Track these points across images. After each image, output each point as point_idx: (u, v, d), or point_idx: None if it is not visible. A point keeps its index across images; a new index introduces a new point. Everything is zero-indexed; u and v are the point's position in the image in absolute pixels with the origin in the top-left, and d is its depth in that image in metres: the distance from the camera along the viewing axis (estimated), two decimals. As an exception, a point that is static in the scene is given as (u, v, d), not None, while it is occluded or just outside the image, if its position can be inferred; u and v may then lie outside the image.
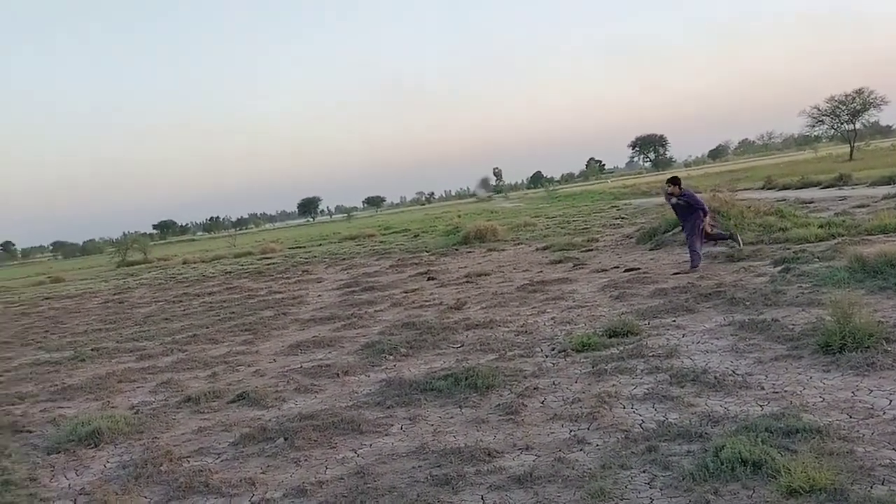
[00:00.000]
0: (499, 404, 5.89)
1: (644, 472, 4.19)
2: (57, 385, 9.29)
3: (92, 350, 11.61)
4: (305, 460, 5.21)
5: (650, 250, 15.24)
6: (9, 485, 5.42)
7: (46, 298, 26.20)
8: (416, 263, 19.60)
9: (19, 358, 12.16)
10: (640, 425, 4.98)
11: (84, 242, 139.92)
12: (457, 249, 22.50)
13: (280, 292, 17.11)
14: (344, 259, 25.17)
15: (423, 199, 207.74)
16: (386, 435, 5.57)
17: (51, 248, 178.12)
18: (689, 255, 11.85)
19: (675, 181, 12.30)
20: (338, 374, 7.77)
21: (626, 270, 12.58)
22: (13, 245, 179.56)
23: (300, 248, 38.53)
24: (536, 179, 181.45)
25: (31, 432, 7.08)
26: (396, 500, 4.23)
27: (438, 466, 4.70)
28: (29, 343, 13.98)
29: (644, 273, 11.99)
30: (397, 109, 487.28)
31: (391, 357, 8.27)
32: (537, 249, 18.97)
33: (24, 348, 13.36)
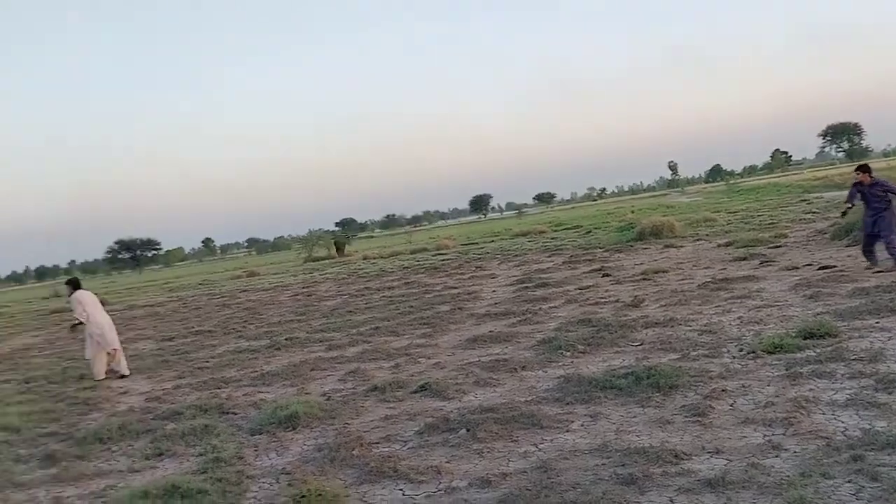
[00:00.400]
0: (684, 405, 5.72)
1: (849, 482, 3.92)
2: (256, 371, 10.05)
3: (286, 339, 12.45)
4: (488, 452, 5.32)
5: (847, 247, 14.14)
6: (220, 461, 5.94)
7: (243, 291, 28.33)
8: (589, 260, 19.37)
9: (223, 345, 13.25)
10: (843, 432, 4.66)
11: (275, 239, 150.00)
12: (631, 246, 22.01)
13: (455, 287, 17.50)
14: (516, 255, 25.33)
15: (595, 194, 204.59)
16: (567, 431, 5.57)
17: (245, 244, 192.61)
18: (889, 251, 10.84)
19: (864, 169, 11.35)
20: (515, 369, 7.85)
21: (821, 268, 11.77)
22: (213, 242, 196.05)
23: (473, 244, 39.18)
24: (715, 172, 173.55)
25: (236, 414, 7.71)
26: (581, 496, 4.22)
27: (623, 465, 4.64)
28: (230, 332, 15.19)
29: (841, 271, 11.16)
30: (567, 104, 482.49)
31: (568, 353, 8.24)
32: (719, 245, 18.15)
33: (227, 337, 14.54)
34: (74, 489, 5.91)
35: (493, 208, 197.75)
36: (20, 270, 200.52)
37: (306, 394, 8.11)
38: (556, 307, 11.98)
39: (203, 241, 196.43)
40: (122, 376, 11.09)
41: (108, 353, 11.15)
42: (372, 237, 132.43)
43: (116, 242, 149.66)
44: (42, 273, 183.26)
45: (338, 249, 53.91)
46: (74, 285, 11.60)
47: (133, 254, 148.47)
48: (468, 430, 5.78)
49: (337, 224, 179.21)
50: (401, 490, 4.86)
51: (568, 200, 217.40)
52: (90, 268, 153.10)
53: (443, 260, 28.88)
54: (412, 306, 14.88)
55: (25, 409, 9.34)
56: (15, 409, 9.47)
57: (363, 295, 19.17)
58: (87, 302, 11.21)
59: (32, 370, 13.33)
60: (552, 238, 33.93)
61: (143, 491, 5.16)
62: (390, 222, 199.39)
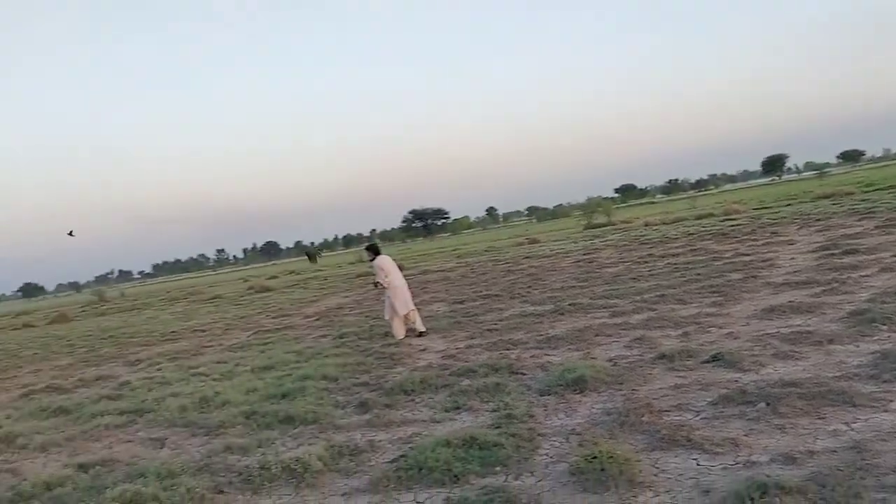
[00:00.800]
0: None
1: None
2: (542, 335, 10.30)
3: (569, 305, 12.60)
4: (791, 428, 4.98)
5: None
6: (512, 418, 6.22)
7: (526, 258, 29.06)
8: (909, 223, 17.11)
9: (509, 309, 13.74)
10: None
11: (554, 207, 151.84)
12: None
13: (747, 254, 16.46)
14: (818, 220, 23.13)
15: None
16: (884, 411, 5.03)
17: (526, 212, 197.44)
18: None
19: None
20: (821, 342, 7.22)
21: None
22: (496, 210, 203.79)
23: (766, 208, 36.44)
24: None
25: (524, 374, 7.99)
26: (904, 482, 3.80)
27: (957, 453, 4.09)
28: (516, 297, 15.71)
29: None
30: (880, 46, 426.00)
31: (885, 327, 7.39)
32: None
33: (512, 301, 15.06)
34: (385, 434, 6.54)
35: (788, 169, 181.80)
36: (330, 238, 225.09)
37: (592, 358, 8.17)
38: (868, 276, 10.78)
39: (487, 210, 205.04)
40: (420, 333, 11.98)
41: (405, 315, 12.11)
42: (653, 203, 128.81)
43: (410, 212, 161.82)
44: (348, 240, 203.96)
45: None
46: (375, 251, 12.64)
47: (424, 222, 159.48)
48: (768, 404, 5.45)
49: (616, 190, 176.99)
50: (695, 460, 4.73)
51: (880, 158, 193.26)
52: (387, 235, 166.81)
53: (732, 225, 27.25)
54: (699, 274, 14.27)
55: (341, 362, 10.48)
56: (332, 360, 10.66)
57: (646, 262, 18.75)
58: (387, 267, 12.19)
59: (344, 327, 14.87)
60: (861, 200, 30.40)
61: (446, 440, 5.56)
62: (673, 187, 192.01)
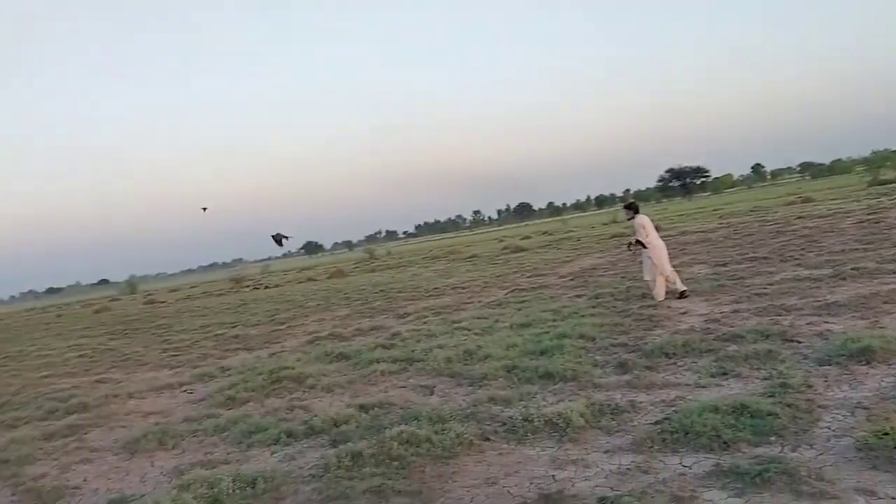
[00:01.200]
0: None
1: None
2: (819, 301, 9.48)
3: (851, 269, 11.44)
4: None
5: None
6: (787, 387, 5.82)
7: (798, 218, 26.76)
8: None
9: (780, 273, 12.77)
10: None
11: (831, 162, 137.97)
12: None
13: None
14: None
15: None
16: None
17: (798, 168, 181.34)
18: None
19: None
20: None
21: None
22: (762, 167, 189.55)
23: None
24: None
25: (800, 342, 7.42)
26: None
27: None
28: (787, 259, 14.55)
29: None
30: None
31: None
32: None
33: (783, 264, 13.97)
34: (646, 396, 6.44)
35: None
36: (582, 199, 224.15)
37: (881, 328, 7.39)
38: None
39: (752, 167, 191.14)
40: (682, 294, 11.56)
41: (665, 276, 11.73)
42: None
43: (667, 171, 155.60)
44: (601, 201, 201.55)
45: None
46: (634, 210, 12.33)
47: (682, 182, 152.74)
48: None
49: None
50: None
51: None
52: (642, 195, 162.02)
53: None
54: None
55: (597, 322, 10.45)
56: (588, 320, 10.66)
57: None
58: (647, 226, 11.88)
59: (599, 288, 14.76)
60: None
61: (713, 406, 5.35)
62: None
